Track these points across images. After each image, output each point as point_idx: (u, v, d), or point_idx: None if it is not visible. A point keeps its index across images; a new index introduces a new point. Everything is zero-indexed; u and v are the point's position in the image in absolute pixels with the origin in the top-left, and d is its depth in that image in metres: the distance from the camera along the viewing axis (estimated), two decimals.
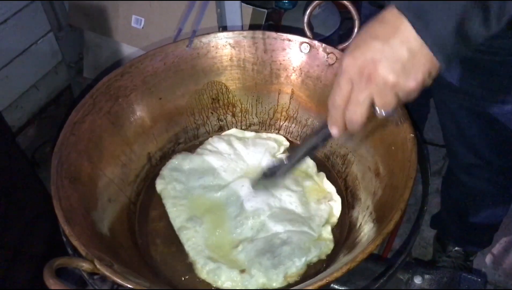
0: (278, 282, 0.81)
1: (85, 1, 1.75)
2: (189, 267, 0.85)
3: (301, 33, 1.00)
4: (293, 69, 1.03)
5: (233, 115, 1.09)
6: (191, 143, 1.07)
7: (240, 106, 1.08)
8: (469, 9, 0.56)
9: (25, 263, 1.30)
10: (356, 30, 0.97)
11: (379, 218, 0.78)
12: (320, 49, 0.99)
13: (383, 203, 0.80)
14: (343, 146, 0.98)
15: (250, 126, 1.10)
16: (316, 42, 0.99)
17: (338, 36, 1.79)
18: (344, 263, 0.67)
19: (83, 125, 0.88)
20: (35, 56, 1.87)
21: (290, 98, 1.06)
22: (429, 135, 1.93)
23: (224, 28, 1.45)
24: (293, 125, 1.07)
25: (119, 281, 0.66)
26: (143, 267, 0.84)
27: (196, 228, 0.88)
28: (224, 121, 1.09)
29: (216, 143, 1.03)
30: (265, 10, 1.55)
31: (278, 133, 1.09)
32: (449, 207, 1.49)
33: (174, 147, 1.06)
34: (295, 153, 0.79)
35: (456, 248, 1.57)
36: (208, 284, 0.82)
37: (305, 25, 1.01)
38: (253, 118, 1.09)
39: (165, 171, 0.99)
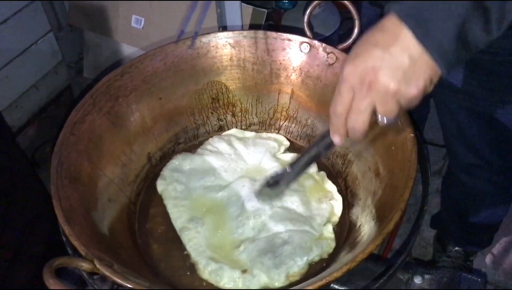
0: (280, 281, 0.81)
1: (85, 1, 1.75)
2: (190, 267, 0.85)
3: (301, 33, 1.00)
4: (293, 69, 1.03)
5: (233, 115, 1.09)
6: (191, 143, 1.07)
7: (240, 106, 1.08)
8: (469, 15, 0.56)
9: (25, 263, 1.30)
10: (356, 30, 0.97)
11: (379, 218, 0.78)
12: (320, 49, 0.99)
13: (383, 203, 0.80)
14: (343, 146, 0.98)
15: (250, 126, 1.10)
16: (316, 42, 0.99)
17: (338, 36, 1.78)
18: (344, 263, 0.67)
19: (83, 125, 0.88)
20: (35, 56, 1.87)
21: (290, 98, 1.06)
22: (429, 135, 1.93)
23: (224, 28, 1.45)
24: (293, 125, 1.07)
25: (119, 281, 0.66)
26: (143, 267, 0.84)
27: (198, 229, 0.88)
28: (224, 121, 1.09)
29: (217, 143, 1.03)
30: (265, 10, 1.55)
31: (278, 133, 1.09)
32: (449, 207, 1.49)
33: (174, 147, 1.06)
34: (298, 162, 0.79)
35: (456, 248, 1.57)
36: (210, 284, 0.82)
37: (305, 25, 1.01)
38: (253, 118, 1.09)
39: (165, 171, 0.99)
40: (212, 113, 1.08)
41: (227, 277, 0.81)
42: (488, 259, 1.67)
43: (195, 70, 1.03)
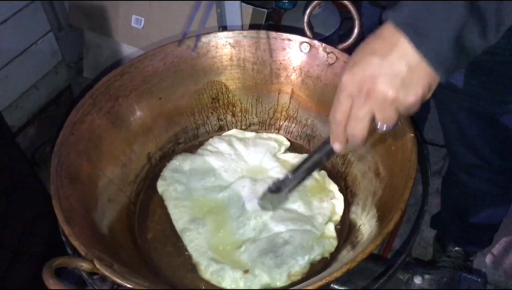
0: (281, 281, 0.81)
1: (85, 1, 1.75)
2: (190, 267, 0.85)
3: (301, 33, 1.00)
4: (293, 69, 1.03)
5: (233, 115, 1.09)
6: (191, 143, 1.07)
7: (240, 105, 1.08)
8: (466, 22, 0.56)
9: (25, 263, 1.30)
10: (356, 30, 0.97)
11: (379, 218, 0.78)
12: (320, 49, 0.99)
13: (383, 203, 0.80)
14: None
15: (250, 125, 1.10)
16: (316, 42, 0.99)
17: (338, 36, 1.79)
18: (343, 263, 0.67)
19: (82, 125, 0.88)
20: (35, 56, 1.88)
21: (290, 98, 1.06)
22: (429, 135, 1.93)
23: (224, 28, 1.45)
24: (293, 125, 1.07)
25: (118, 281, 0.66)
26: (143, 267, 0.84)
27: (199, 230, 0.88)
28: (224, 120, 1.09)
29: (217, 143, 1.03)
30: (265, 10, 1.56)
31: (278, 133, 1.08)
32: (449, 207, 1.49)
33: (174, 147, 1.06)
34: (300, 168, 0.79)
35: (456, 248, 1.57)
36: (211, 285, 0.82)
37: (305, 25, 1.01)
38: (253, 118, 1.09)
39: (166, 172, 0.99)
40: (212, 113, 1.08)
41: (228, 278, 0.81)
42: (488, 259, 1.67)
43: (195, 70, 1.03)
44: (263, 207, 0.88)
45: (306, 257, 0.82)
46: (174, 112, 1.04)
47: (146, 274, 0.80)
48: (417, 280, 0.82)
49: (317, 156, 0.76)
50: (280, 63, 1.03)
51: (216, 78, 1.05)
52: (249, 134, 1.07)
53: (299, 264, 0.82)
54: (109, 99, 0.94)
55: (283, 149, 1.04)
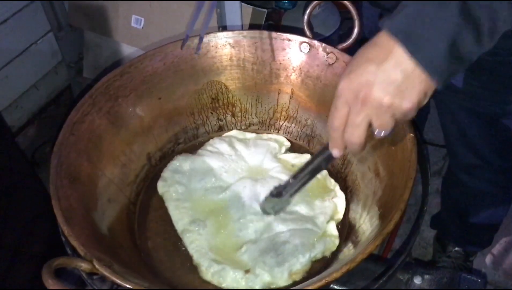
0: (283, 280, 0.81)
1: (85, 1, 1.75)
2: (190, 267, 0.85)
3: (301, 33, 1.00)
4: (293, 69, 1.03)
5: (233, 115, 1.09)
6: (191, 143, 1.07)
7: (239, 105, 1.08)
8: (460, 29, 0.57)
9: (25, 263, 1.30)
10: (356, 30, 0.97)
11: (379, 218, 0.78)
12: (320, 49, 0.99)
13: (383, 203, 0.80)
14: None
15: (249, 126, 1.10)
16: (316, 42, 0.99)
17: (338, 36, 1.78)
18: (343, 263, 0.67)
19: (82, 125, 0.88)
20: (35, 56, 1.87)
21: (290, 98, 1.06)
22: (429, 135, 1.93)
23: (224, 28, 1.45)
24: (293, 125, 1.07)
25: (118, 281, 0.66)
26: (143, 267, 0.84)
27: (200, 231, 0.88)
28: (224, 121, 1.09)
29: (217, 144, 1.03)
30: (265, 10, 1.55)
31: (278, 133, 1.08)
32: (449, 207, 1.49)
33: (174, 147, 1.05)
34: (300, 173, 0.80)
35: (456, 248, 1.57)
36: (213, 285, 0.82)
37: (305, 25, 1.00)
38: (252, 118, 1.09)
39: (166, 173, 0.98)
40: (211, 113, 1.08)
41: (230, 278, 0.81)
42: (488, 259, 1.67)
43: (195, 70, 1.03)
44: (265, 212, 0.88)
45: (307, 255, 0.82)
46: (174, 112, 1.04)
47: (146, 275, 0.80)
48: (417, 280, 0.82)
49: (317, 162, 0.77)
50: (280, 63, 1.03)
51: (216, 78, 1.05)
52: (250, 135, 1.07)
53: (300, 262, 0.82)
54: (109, 99, 0.94)
55: (283, 149, 1.04)
